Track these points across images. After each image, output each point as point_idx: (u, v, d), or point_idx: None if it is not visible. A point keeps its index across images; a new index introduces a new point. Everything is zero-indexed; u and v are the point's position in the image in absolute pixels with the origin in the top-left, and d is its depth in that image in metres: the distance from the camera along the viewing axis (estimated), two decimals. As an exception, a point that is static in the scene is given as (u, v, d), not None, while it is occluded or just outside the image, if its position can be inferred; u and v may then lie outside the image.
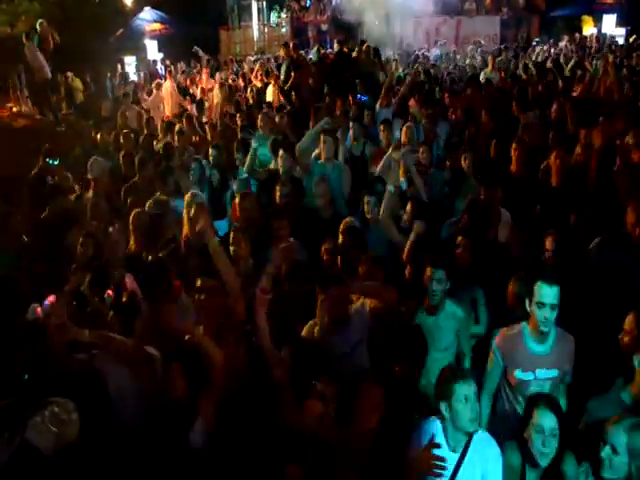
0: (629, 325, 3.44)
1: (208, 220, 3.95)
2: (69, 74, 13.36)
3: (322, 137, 6.35)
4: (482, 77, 11.84)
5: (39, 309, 3.69)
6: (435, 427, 3.03)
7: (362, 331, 3.81)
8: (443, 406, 2.96)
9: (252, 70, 14.55)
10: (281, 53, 13.47)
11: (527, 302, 3.38)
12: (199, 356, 3.22)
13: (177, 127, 8.28)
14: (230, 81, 13.71)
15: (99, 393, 3.29)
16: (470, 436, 2.98)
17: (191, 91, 13.24)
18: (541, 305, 3.27)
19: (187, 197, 5.45)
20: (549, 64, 12.29)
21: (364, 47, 11.73)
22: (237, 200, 5.48)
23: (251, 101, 11.41)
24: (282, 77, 11.30)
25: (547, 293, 3.25)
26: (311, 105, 8.75)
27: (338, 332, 3.71)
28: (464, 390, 2.91)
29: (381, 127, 7.21)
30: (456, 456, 2.98)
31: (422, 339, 3.55)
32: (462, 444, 2.98)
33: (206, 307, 3.75)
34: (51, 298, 3.71)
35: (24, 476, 2.67)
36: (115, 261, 4.75)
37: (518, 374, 3.45)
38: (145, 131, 8.95)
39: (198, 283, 3.87)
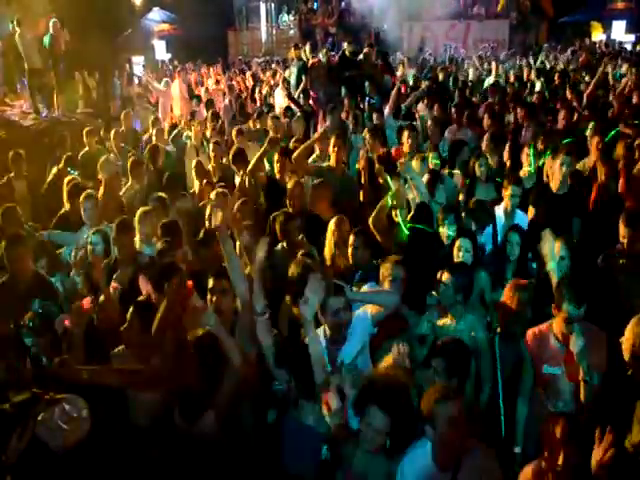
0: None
1: (226, 216, 3.87)
2: (77, 74, 13.38)
3: (332, 141, 6.29)
4: (486, 84, 11.92)
5: (67, 321, 3.68)
6: (424, 448, 2.91)
7: (364, 339, 3.73)
8: (429, 427, 2.82)
9: (263, 71, 14.63)
10: (292, 55, 13.46)
11: (552, 307, 3.52)
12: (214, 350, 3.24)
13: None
14: (235, 83, 13.76)
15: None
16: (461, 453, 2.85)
17: (197, 92, 13.28)
18: (569, 319, 3.42)
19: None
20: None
21: (365, 50, 11.74)
22: None
23: (258, 103, 11.48)
24: (293, 81, 11.25)
25: (575, 313, 3.41)
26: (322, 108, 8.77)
27: (339, 341, 3.62)
28: (449, 411, 2.76)
29: (405, 133, 6.90)
30: (448, 476, 2.84)
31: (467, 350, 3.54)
32: (452, 463, 2.84)
33: (217, 307, 3.75)
34: (85, 302, 3.71)
35: (34, 473, 2.66)
36: (125, 259, 4.75)
37: (546, 369, 3.57)
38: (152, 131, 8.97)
39: (210, 284, 3.88)
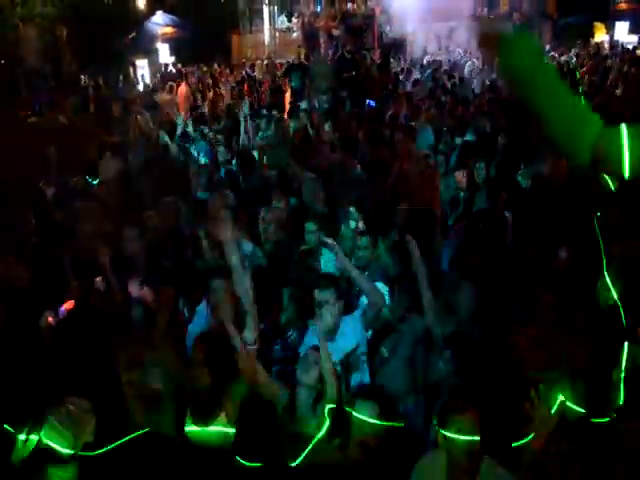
0: None
1: (232, 231, 3.84)
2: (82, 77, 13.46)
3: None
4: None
5: (50, 318, 3.66)
6: (437, 459, 2.81)
7: (357, 337, 3.71)
8: (442, 436, 2.73)
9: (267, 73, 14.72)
10: (300, 54, 13.54)
11: None
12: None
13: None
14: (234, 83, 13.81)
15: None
16: None
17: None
18: None
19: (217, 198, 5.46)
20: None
21: (363, 52, 11.80)
22: None
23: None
24: (296, 83, 11.28)
25: None
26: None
27: (332, 340, 3.57)
28: (462, 422, 2.65)
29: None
30: None
31: None
32: None
33: (215, 305, 3.77)
34: (68, 304, 3.71)
35: (39, 475, 2.67)
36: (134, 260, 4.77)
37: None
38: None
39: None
